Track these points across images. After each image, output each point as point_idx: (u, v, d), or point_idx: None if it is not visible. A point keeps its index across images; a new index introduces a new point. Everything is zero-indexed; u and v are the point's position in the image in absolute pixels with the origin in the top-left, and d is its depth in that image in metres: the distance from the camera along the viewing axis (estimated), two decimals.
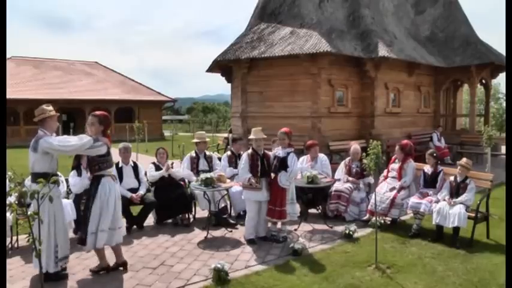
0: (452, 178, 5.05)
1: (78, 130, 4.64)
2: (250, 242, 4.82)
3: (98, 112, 3.93)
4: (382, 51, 9.77)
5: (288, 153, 4.83)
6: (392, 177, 5.59)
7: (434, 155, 5.40)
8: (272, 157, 4.92)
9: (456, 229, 4.71)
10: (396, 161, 5.67)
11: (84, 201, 4.00)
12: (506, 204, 3.95)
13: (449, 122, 14.21)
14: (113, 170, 3.99)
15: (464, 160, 5.02)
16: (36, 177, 3.50)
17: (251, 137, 4.94)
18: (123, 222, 4.07)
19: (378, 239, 4.25)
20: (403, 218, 5.68)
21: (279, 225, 5.00)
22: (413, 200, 5.13)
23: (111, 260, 4.04)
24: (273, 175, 4.89)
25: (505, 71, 12.23)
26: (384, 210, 5.35)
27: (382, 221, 5.33)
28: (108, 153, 3.85)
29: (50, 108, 3.78)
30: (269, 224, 5.07)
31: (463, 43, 12.45)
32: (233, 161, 6.16)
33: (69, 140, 3.64)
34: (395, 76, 11.01)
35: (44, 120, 3.69)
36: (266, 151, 4.97)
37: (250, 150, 4.90)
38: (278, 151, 4.90)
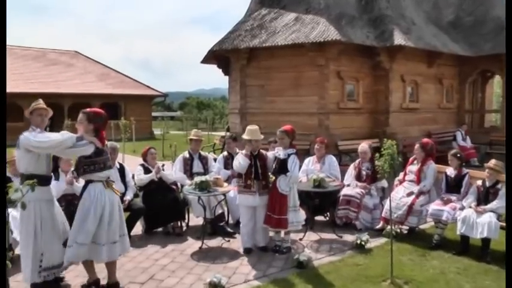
0: (479, 182, 4.97)
1: (55, 129, 4.62)
2: (246, 251, 4.82)
3: (88, 109, 3.91)
4: (398, 39, 9.75)
5: (289, 155, 4.80)
6: (410, 181, 5.57)
7: (458, 155, 5.31)
8: (271, 158, 4.91)
9: (486, 241, 4.61)
10: (415, 162, 5.65)
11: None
12: (506, 204, 4.08)
13: (476, 119, 14.07)
14: (109, 175, 3.87)
15: (493, 162, 4.91)
16: (23, 178, 3.58)
17: (244, 137, 4.87)
18: (118, 236, 3.88)
19: (394, 250, 4.23)
20: (422, 226, 5.66)
21: (282, 234, 4.99)
22: (434, 206, 5.09)
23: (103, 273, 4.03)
24: (272, 177, 4.89)
25: None
26: (400, 217, 5.34)
27: (398, 230, 5.32)
28: (96, 154, 3.75)
29: (38, 101, 3.82)
30: (271, 233, 5.06)
31: (496, 28, 12.02)
32: (230, 162, 6.13)
33: (48, 136, 3.63)
34: (413, 67, 10.99)
35: (31, 115, 3.76)
36: (262, 151, 4.96)
37: (244, 151, 4.90)
38: (279, 151, 4.90)
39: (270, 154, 4.99)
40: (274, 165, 4.84)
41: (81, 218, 3.69)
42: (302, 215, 5.00)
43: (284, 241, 4.93)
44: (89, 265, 3.91)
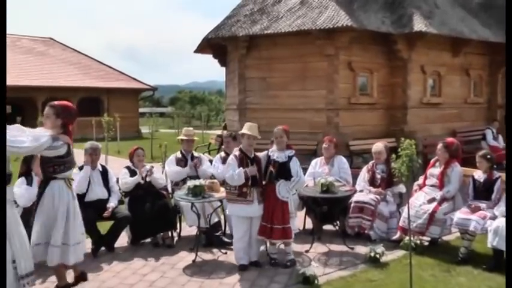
0: None
1: (26, 126, 4.62)
2: (242, 268, 4.81)
3: (56, 102, 3.97)
4: (419, 24, 9.75)
5: (290, 157, 4.82)
6: (432, 186, 5.56)
7: (488, 157, 5.27)
8: (264, 160, 4.91)
9: None
10: (437, 164, 5.64)
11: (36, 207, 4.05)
12: (506, 204, 4.16)
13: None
14: (71, 174, 4.12)
15: None
16: None
17: (243, 131, 4.89)
18: (83, 237, 4.22)
19: (413, 264, 4.22)
20: (445, 238, 5.65)
21: (281, 245, 4.99)
22: (460, 215, 5.06)
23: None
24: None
25: None
26: (420, 227, 5.33)
27: (418, 242, 5.31)
28: (67, 154, 3.91)
29: None
30: (261, 246, 5.05)
31: None
32: None
33: (22, 139, 3.59)
34: (435, 57, 10.99)
35: None
36: (256, 153, 4.96)
37: (238, 152, 4.88)
38: (273, 153, 4.90)
39: (260, 156, 4.96)
40: (270, 169, 4.82)
41: (47, 215, 3.88)
42: (297, 221, 5.04)
43: (286, 253, 4.93)
44: (61, 270, 4.08)
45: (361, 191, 5.92)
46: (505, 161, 4.78)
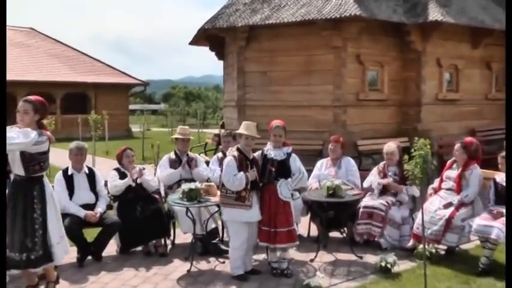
0: None
1: (7, 123, 4.66)
2: (240, 278, 4.81)
3: (32, 97, 4.17)
4: (434, 13, 9.75)
5: (289, 155, 4.85)
6: (448, 189, 5.56)
7: None
8: (259, 159, 4.92)
9: None
10: (454, 166, 5.64)
11: (21, 209, 4.13)
12: (506, 205, 4.29)
13: None
14: None
15: None
16: None
17: (240, 131, 4.89)
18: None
19: (428, 275, 4.23)
20: (464, 246, 5.63)
21: (279, 253, 4.99)
22: (480, 221, 5.04)
23: None
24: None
25: None
26: (435, 234, 5.31)
27: (433, 250, 5.31)
28: (48, 150, 4.18)
29: None
30: (261, 255, 5.06)
31: None
32: None
33: (12, 136, 3.83)
34: (452, 48, 10.98)
35: None
36: (254, 154, 4.96)
37: (236, 152, 4.87)
38: (270, 152, 4.91)
39: (255, 155, 4.97)
40: (269, 168, 4.83)
41: (56, 213, 4.29)
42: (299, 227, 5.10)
43: (281, 260, 4.92)
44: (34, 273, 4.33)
45: (371, 191, 5.92)
46: (505, 160, 4.79)
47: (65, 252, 4.48)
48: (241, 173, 4.69)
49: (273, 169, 4.81)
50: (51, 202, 4.22)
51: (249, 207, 4.76)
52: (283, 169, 4.82)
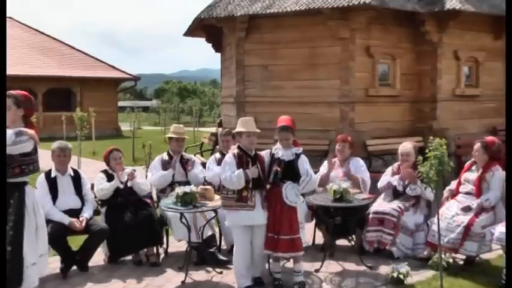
0: None
1: None
2: None
3: (13, 91, 4.05)
4: (452, 1, 9.73)
5: (298, 155, 4.84)
6: (467, 193, 5.56)
7: None
8: (267, 159, 4.93)
9: None
10: (473, 168, 5.65)
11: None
12: (506, 204, 4.38)
13: None
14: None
15: None
16: None
17: (238, 129, 4.92)
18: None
19: (445, 287, 4.22)
20: (485, 256, 5.62)
21: (287, 262, 4.99)
22: (503, 228, 5.02)
23: None
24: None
25: None
26: (453, 243, 5.31)
27: (451, 260, 5.31)
28: (35, 151, 4.02)
29: None
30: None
31: None
32: None
33: None
34: (471, 39, 10.94)
35: None
36: (258, 152, 4.98)
37: (236, 150, 4.90)
38: (278, 151, 4.91)
39: (263, 154, 5.00)
40: (275, 169, 4.82)
41: (36, 227, 4.14)
42: (305, 234, 5.06)
43: (295, 272, 4.92)
44: None
45: (386, 188, 5.94)
46: (505, 160, 4.81)
47: (40, 274, 4.30)
48: (240, 170, 4.70)
49: (278, 170, 4.79)
50: (31, 215, 4.05)
51: (252, 207, 4.74)
52: (291, 171, 4.81)
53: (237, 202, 4.76)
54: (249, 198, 4.74)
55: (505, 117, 4.85)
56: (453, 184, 5.76)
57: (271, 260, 5.08)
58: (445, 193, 5.73)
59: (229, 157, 4.86)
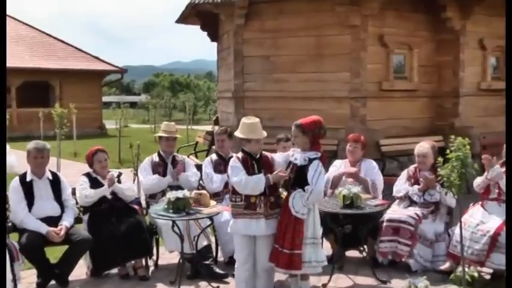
0: None
1: None
2: None
3: None
4: None
5: (311, 160, 4.77)
6: (493, 199, 5.57)
7: None
8: (281, 162, 4.90)
9: None
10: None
11: None
12: (506, 204, 4.59)
13: None
14: None
15: None
16: None
17: (247, 136, 4.83)
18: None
19: None
20: None
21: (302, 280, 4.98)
22: None
23: None
24: (282, 192, 4.88)
25: None
26: (478, 254, 5.32)
27: (476, 274, 5.27)
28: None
29: None
30: (281, 275, 5.05)
31: None
32: (222, 169, 6.15)
33: None
34: (499, 27, 10.91)
35: None
36: (265, 153, 4.97)
37: (240, 153, 4.90)
38: (295, 154, 4.89)
39: (278, 157, 4.99)
40: (287, 174, 4.81)
41: None
42: (323, 251, 4.98)
43: None
44: None
45: (402, 197, 5.95)
46: (505, 159, 4.82)
47: None
48: (261, 175, 4.70)
49: (291, 175, 4.78)
50: None
51: (261, 215, 4.73)
52: (301, 177, 4.73)
53: (245, 209, 4.75)
54: (257, 205, 4.74)
55: (505, 117, 4.87)
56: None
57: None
58: (476, 185, 5.65)
59: (233, 161, 4.85)
